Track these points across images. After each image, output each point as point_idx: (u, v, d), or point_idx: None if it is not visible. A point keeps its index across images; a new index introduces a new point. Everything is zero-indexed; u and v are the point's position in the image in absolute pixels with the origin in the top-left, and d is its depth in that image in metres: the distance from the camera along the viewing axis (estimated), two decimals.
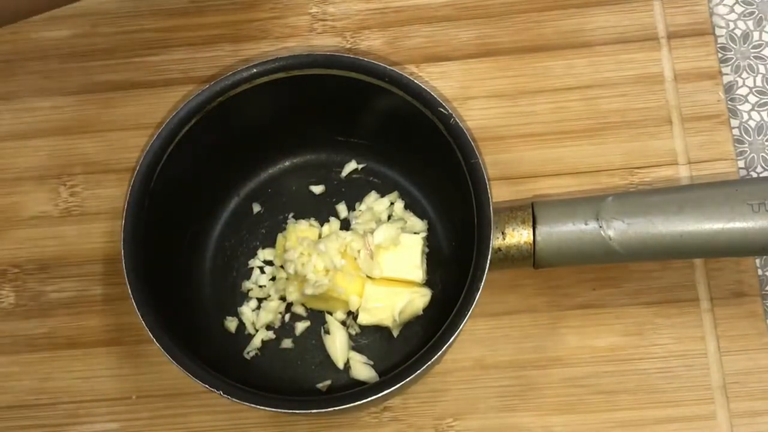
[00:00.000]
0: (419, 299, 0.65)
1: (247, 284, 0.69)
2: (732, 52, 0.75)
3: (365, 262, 0.65)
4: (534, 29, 0.74)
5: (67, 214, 0.72)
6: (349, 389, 0.59)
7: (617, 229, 0.60)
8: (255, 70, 0.64)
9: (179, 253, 0.67)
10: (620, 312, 0.67)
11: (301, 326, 0.68)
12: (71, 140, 0.74)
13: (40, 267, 0.71)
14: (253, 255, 0.70)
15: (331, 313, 0.67)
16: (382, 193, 0.70)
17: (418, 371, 0.57)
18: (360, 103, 0.67)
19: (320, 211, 0.70)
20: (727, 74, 0.74)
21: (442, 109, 0.62)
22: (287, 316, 0.68)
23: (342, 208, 0.70)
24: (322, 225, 0.69)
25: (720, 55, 0.74)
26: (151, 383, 0.68)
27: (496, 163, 0.70)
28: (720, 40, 0.75)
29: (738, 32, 0.75)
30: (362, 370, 0.66)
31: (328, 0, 0.77)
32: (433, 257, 0.68)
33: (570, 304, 0.68)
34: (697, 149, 0.70)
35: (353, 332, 0.67)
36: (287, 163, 0.72)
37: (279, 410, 0.57)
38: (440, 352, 0.58)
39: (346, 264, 0.65)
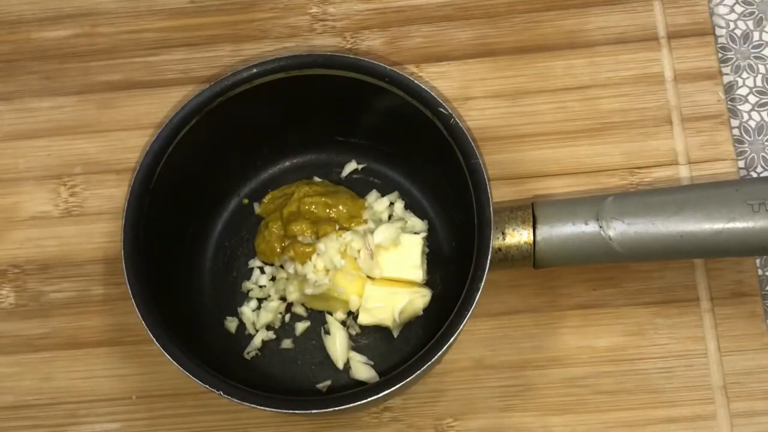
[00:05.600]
0: (419, 299, 0.66)
1: (247, 284, 0.69)
2: (732, 52, 0.75)
3: (365, 262, 0.65)
4: (534, 29, 0.74)
5: (67, 214, 0.72)
6: (349, 389, 0.59)
7: (617, 229, 0.60)
8: (255, 70, 0.64)
9: (179, 254, 0.67)
10: (620, 312, 0.67)
11: (301, 326, 0.68)
12: (71, 140, 0.74)
13: (40, 267, 0.71)
14: (253, 255, 0.70)
15: (331, 313, 0.67)
16: (383, 193, 0.70)
17: (418, 371, 0.57)
18: (360, 103, 0.67)
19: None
20: (727, 74, 0.74)
21: (442, 109, 0.62)
22: (287, 316, 0.68)
23: None
24: None
25: (720, 55, 0.74)
26: (151, 383, 0.68)
27: (496, 163, 0.70)
28: (720, 40, 0.75)
29: (738, 32, 0.75)
30: (362, 370, 0.66)
31: (328, 0, 0.77)
32: (433, 257, 0.68)
33: (570, 304, 0.68)
34: (697, 149, 0.71)
35: (353, 332, 0.67)
36: (287, 163, 0.72)
37: (279, 410, 0.57)
38: (440, 352, 0.58)
39: (346, 264, 0.65)
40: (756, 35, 0.75)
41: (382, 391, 0.57)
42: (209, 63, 0.75)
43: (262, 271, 0.69)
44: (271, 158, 0.72)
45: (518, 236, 0.61)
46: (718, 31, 0.75)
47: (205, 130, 0.65)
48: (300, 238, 0.66)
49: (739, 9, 0.76)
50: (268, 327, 0.68)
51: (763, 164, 0.72)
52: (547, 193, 0.70)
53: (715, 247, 0.60)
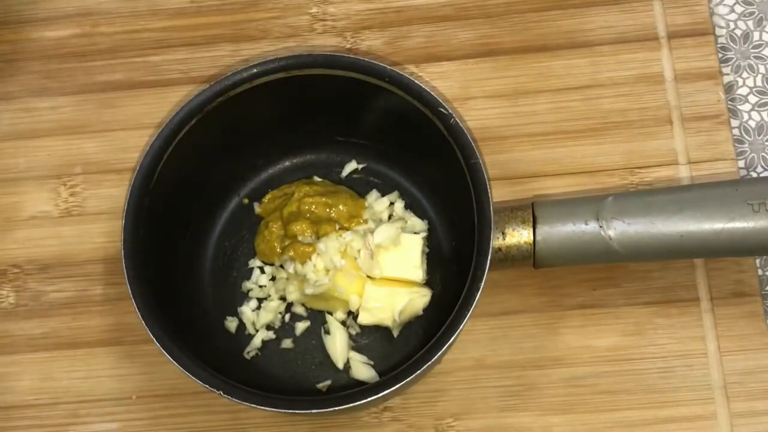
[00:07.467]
0: (419, 299, 0.66)
1: (247, 284, 0.69)
2: (732, 52, 0.75)
3: (365, 261, 0.65)
4: (534, 29, 0.74)
5: (67, 214, 0.72)
6: (349, 389, 0.59)
7: (617, 229, 0.60)
8: (255, 70, 0.64)
9: (179, 254, 0.67)
10: (620, 312, 0.67)
11: (301, 326, 0.68)
12: (71, 140, 0.74)
13: (40, 267, 0.71)
14: (253, 255, 0.70)
15: (331, 313, 0.67)
16: (383, 193, 0.70)
17: (418, 371, 0.57)
18: (360, 103, 0.67)
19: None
20: (727, 74, 0.74)
21: (442, 109, 0.62)
22: (287, 316, 0.68)
23: None
24: None
25: (720, 55, 0.74)
26: (151, 383, 0.68)
27: (496, 163, 0.70)
28: (720, 40, 0.75)
29: (738, 32, 0.75)
30: (362, 370, 0.66)
31: (328, 0, 0.77)
32: (433, 257, 0.68)
33: (570, 304, 0.68)
34: (697, 149, 0.71)
35: (353, 332, 0.67)
36: (287, 163, 0.72)
37: (279, 410, 0.57)
38: (440, 352, 0.58)
39: (346, 264, 0.65)
40: (756, 35, 0.75)
41: (382, 391, 0.57)
42: (209, 63, 0.75)
43: (262, 271, 0.69)
44: (271, 158, 0.72)
45: (518, 236, 0.61)
46: (718, 31, 0.75)
47: (205, 130, 0.65)
48: (300, 238, 0.66)
49: (739, 9, 0.76)
50: (268, 327, 0.68)
51: (763, 164, 0.72)
52: (547, 193, 0.70)
53: (715, 247, 0.60)
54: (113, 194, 0.72)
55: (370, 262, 0.65)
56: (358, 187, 0.70)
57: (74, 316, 0.70)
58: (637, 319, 0.67)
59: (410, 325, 0.67)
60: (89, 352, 0.69)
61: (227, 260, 0.70)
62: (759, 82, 0.74)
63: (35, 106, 0.75)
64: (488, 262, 0.59)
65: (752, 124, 0.73)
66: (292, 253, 0.65)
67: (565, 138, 0.72)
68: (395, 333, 0.67)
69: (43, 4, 0.78)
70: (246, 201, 0.71)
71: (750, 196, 0.59)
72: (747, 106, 0.74)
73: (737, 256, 0.67)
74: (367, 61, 0.64)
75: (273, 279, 0.69)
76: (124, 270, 0.60)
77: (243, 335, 0.68)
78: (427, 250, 0.68)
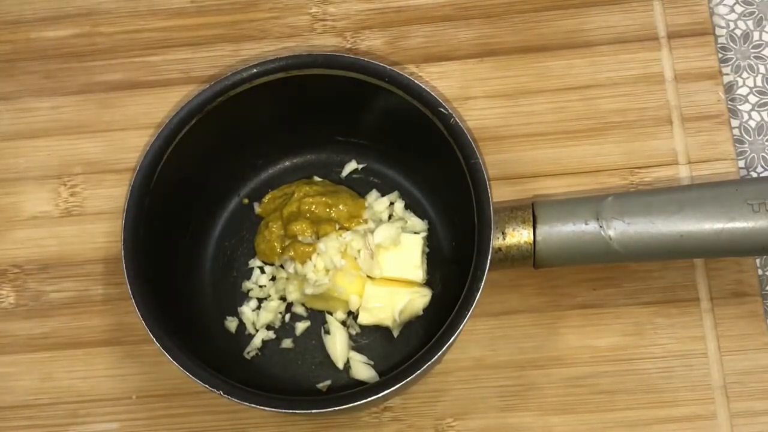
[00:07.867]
0: (419, 299, 0.66)
1: (247, 284, 0.69)
2: (732, 52, 0.75)
3: (365, 261, 0.65)
4: (534, 29, 0.74)
5: (67, 214, 0.72)
6: (349, 389, 0.59)
7: (617, 229, 0.60)
8: (255, 70, 0.64)
9: (179, 253, 0.67)
10: (620, 312, 0.67)
11: (301, 326, 0.68)
12: (71, 140, 0.74)
13: (40, 267, 0.71)
14: (253, 255, 0.70)
15: (331, 313, 0.67)
16: (383, 193, 0.70)
17: (418, 371, 0.57)
18: (360, 103, 0.67)
19: None
20: (727, 74, 0.74)
21: (442, 109, 0.62)
22: (287, 316, 0.68)
23: None
24: None
25: (720, 55, 0.74)
26: (151, 383, 0.68)
27: (496, 163, 0.70)
28: (720, 40, 0.75)
29: (738, 32, 0.75)
30: (362, 370, 0.66)
31: (328, 0, 0.77)
32: (433, 257, 0.68)
33: (570, 304, 0.68)
34: (697, 149, 0.71)
35: (353, 332, 0.67)
36: (287, 163, 0.72)
37: (279, 410, 0.57)
38: (440, 352, 0.58)
39: (346, 264, 0.65)
40: (756, 35, 0.75)
41: (382, 391, 0.57)
42: (209, 63, 0.75)
43: (262, 271, 0.69)
44: (271, 158, 0.72)
45: (518, 236, 0.61)
46: (718, 31, 0.75)
47: (205, 129, 0.65)
48: (300, 238, 0.66)
49: (739, 9, 0.76)
50: (268, 327, 0.68)
51: (763, 164, 0.72)
52: (547, 193, 0.70)
53: (715, 247, 0.60)
54: (113, 194, 0.72)
55: (370, 262, 0.65)
56: (358, 187, 0.71)
57: (74, 316, 0.70)
58: (637, 319, 0.67)
59: (410, 325, 0.67)
60: (89, 352, 0.69)
61: (227, 260, 0.70)
62: (759, 82, 0.74)
63: (35, 106, 0.75)
64: (488, 262, 0.59)
65: (752, 124, 0.73)
66: (292, 253, 0.65)
67: (565, 138, 0.72)
68: (395, 333, 0.67)
69: (43, 4, 0.78)
70: (246, 201, 0.71)
71: (750, 196, 0.59)
72: (747, 106, 0.74)
73: (737, 256, 0.67)
74: (367, 61, 0.64)
75: (273, 279, 0.69)
76: (124, 270, 0.60)
77: (243, 335, 0.68)
78: (427, 250, 0.68)
